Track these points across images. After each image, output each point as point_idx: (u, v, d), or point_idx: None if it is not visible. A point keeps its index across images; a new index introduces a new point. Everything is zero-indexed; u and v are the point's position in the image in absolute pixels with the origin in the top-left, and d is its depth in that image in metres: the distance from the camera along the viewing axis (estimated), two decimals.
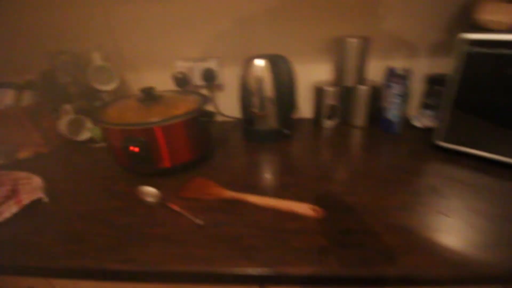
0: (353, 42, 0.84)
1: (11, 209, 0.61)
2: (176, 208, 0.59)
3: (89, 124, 0.94)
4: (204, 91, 1.01)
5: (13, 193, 0.67)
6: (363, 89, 0.90)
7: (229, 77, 0.99)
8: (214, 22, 0.91)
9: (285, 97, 0.84)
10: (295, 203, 0.57)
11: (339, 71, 0.91)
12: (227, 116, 1.03)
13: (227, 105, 1.03)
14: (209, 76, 0.94)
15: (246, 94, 0.84)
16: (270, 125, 0.86)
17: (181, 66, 0.94)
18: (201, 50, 0.96)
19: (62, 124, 0.90)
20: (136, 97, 0.73)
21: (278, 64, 0.77)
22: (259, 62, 0.79)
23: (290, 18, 0.89)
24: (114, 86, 0.93)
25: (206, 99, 0.73)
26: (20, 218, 0.61)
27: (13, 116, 0.83)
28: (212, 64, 0.93)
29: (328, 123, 0.95)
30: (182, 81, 0.91)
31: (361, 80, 0.90)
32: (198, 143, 0.73)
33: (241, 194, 0.61)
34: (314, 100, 0.96)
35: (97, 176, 0.75)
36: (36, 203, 0.64)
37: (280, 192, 0.63)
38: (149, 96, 0.71)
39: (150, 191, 0.63)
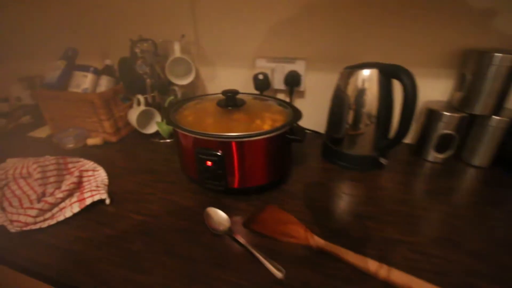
0: (499, 57, 0.62)
1: (73, 208, 0.56)
2: (248, 245, 0.47)
3: (158, 118, 0.88)
4: (280, 96, 0.88)
5: (78, 187, 0.63)
6: (498, 120, 0.67)
7: (314, 83, 0.84)
8: (305, 17, 0.77)
9: (388, 117, 0.66)
10: (412, 279, 0.40)
11: (467, 93, 0.69)
12: (305, 129, 0.88)
13: (307, 116, 0.87)
14: (292, 80, 0.80)
15: (339, 107, 0.68)
16: (364, 149, 0.69)
17: (263, 66, 0.82)
18: (285, 50, 0.82)
19: (133, 115, 0.85)
20: (216, 99, 0.63)
21: (394, 75, 0.59)
22: (367, 71, 0.63)
23: (404, 19, 0.70)
24: (189, 81, 0.85)
25: (298, 114, 0.59)
26: (77, 219, 0.55)
27: (88, 101, 0.81)
28: (298, 67, 0.79)
29: (436, 156, 0.74)
30: (262, 83, 0.79)
31: (497, 108, 0.67)
32: (278, 164, 0.60)
33: (334, 246, 0.46)
34: (422, 124, 0.76)
35: (161, 179, 0.68)
36: (97, 202, 0.58)
37: (384, 254, 0.46)
38: (232, 101, 0.60)
39: (219, 217, 0.53)
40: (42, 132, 0.93)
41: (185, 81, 0.85)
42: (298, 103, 0.88)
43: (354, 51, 0.77)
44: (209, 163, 0.54)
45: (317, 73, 0.82)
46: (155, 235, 0.51)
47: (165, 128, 0.84)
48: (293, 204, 0.58)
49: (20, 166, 0.64)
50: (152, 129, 0.88)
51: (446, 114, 0.69)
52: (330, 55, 0.79)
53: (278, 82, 0.83)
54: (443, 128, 0.71)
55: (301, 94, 0.87)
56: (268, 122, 0.57)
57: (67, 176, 0.67)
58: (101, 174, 0.69)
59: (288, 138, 0.57)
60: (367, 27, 0.74)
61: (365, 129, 0.66)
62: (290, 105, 0.65)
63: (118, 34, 0.91)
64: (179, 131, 0.54)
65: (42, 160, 0.65)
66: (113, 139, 0.86)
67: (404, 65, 0.58)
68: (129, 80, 0.85)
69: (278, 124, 0.56)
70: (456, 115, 0.69)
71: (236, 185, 0.57)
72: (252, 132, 0.51)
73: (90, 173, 0.69)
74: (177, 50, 0.80)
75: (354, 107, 0.65)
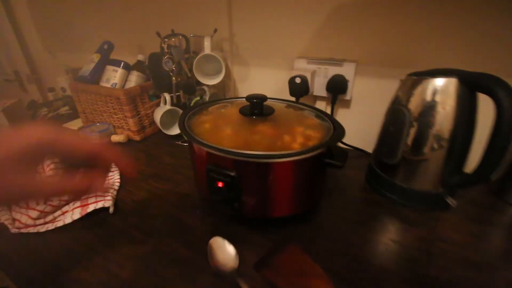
0: None
1: (73, 214, 0.51)
2: None
3: None
4: (319, 105, 0.75)
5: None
6: None
7: (363, 91, 0.69)
8: (357, 10, 0.62)
9: (466, 143, 0.49)
10: None
11: None
12: (346, 145, 0.73)
13: (351, 130, 0.73)
14: (336, 86, 0.67)
15: (397, 124, 0.53)
16: (425, 182, 0.53)
17: (302, 67, 0.70)
18: (331, 49, 0.69)
19: (158, 114, 0.80)
20: (240, 106, 0.53)
21: (482, 88, 0.43)
22: (441, 81, 0.47)
23: (496, 9, 0.52)
24: (217, 81, 0.77)
25: (340, 132, 0.46)
26: (75, 226, 0.50)
27: (115, 96, 0.78)
28: (346, 70, 0.65)
29: None
30: (299, 88, 0.67)
31: None
32: (307, 193, 0.48)
33: None
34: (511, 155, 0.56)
35: (173, 190, 0.60)
36: (101, 208, 0.53)
37: None
38: (257, 108, 0.50)
39: (226, 253, 0.42)
40: (75, 124, 0.94)
41: (213, 81, 0.77)
42: (341, 115, 0.74)
43: (419, 53, 0.60)
44: (220, 184, 0.44)
45: (369, 79, 0.67)
46: (149, 263, 0.43)
47: None
48: (322, 246, 0.46)
49: None
50: (176, 130, 0.82)
51: None
52: (387, 57, 0.63)
53: (318, 88, 0.70)
54: None
55: (346, 104, 0.72)
56: (299, 139, 0.45)
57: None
58: (115, 176, 0.65)
59: (324, 162, 0.44)
60: (437, 22, 0.57)
61: (430, 155, 0.50)
62: (330, 118, 0.52)
63: (153, 28, 0.87)
64: (190, 139, 0.45)
65: None
66: (137, 137, 0.82)
67: (492, 73, 0.42)
68: (157, 77, 0.80)
69: (312, 143, 0.44)
70: None
71: (251, 213, 0.47)
72: (276, 152, 0.40)
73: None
74: (207, 47, 0.72)
75: (417, 125, 0.49)
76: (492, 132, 0.42)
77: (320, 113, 0.55)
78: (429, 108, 0.48)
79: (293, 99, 0.71)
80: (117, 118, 0.82)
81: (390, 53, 0.63)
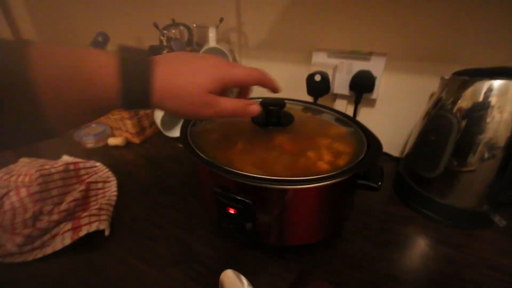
0: None
1: (64, 239, 0.45)
2: None
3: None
4: (340, 105, 0.66)
5: (81, 203, 0.52)
6: None
7: (392, 90, 0.60)
8: None
9: None
10: None
11: None
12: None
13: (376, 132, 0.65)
14: (362, 84, 0.58)
15: (439, 132, 0.45)
16: (468, 198, 0.45)
17: (322, 62, 0.61)
18: (356, 41, 0.59)
19: (158, 114, 0.73)
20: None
21: None
22: (498, 82, 0.38)
23: None
24: None
25: (377, 148, 0.38)
26: (65, 252, 0.44)
27: None
28: (374, 65, 0.56)
29: None
30: (319, 86, 0.58)
31: None
32: (334, 218, 0.41)
33: None
34: None
35: (177, 205, 0.53)
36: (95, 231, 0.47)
37: None
38: (274, 117, 0.42)
39: None
40: None
41: None
42: (365, 114, 0.66)
43: (465, 47, 0.51)
44: (232, 210, 0.37)
45: (399, 76, 0.58)
46: None
47: None
48: (349, 276, 0.39)
49: (24, 171, 0.55)
50: (177, 132, 0.74)
51: None
52: (424, 51, 0.54)
53: (340, 85, 0.61)
54: None
55: (371, 103, 0.64)
56: (326, 157, 0.37)
57: (76, 186, 0.57)
58: (111, 188, 0.58)
59: (357, 184, 0.36)
60: (488, 10, 0.47)
61: (479, 165, 0.42)
62: (360, 126, 0.44)
63: (153, 17, 0.78)
64: (195, 159, 0.37)
65: (49, 166, 0.55)
66: (136, 140, 0.75)
67: None
68: None
69: (342, 162, 0.36)
70: None
71: (269, 240, 0.40)
72: (301, 178, 0.32)
73: (99, 185, 0.58)
74: (212, 38, 0.64)
75: (465, 131, 0.41)
76: None
77: (344, 118, 0.47)
78: (480, 112, 0.40)
79: (310, 98, 0.62)
80: (114, 119, 0.75)
81: (428, 46, 0.53)
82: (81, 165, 0.61)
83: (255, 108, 0.33)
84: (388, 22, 0.55)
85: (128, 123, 0.72)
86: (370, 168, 0.36)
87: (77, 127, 0.28)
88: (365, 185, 0.36)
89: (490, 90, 0.39)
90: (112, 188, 0.58)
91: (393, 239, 0.45)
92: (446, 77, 0.49)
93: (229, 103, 0.30)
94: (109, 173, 0.62)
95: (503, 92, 0.39)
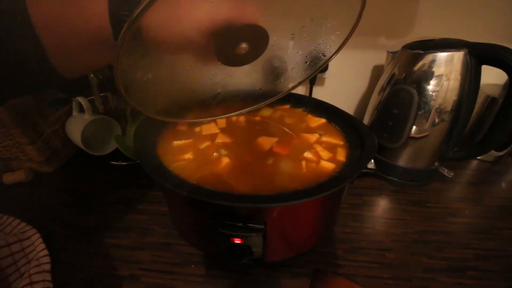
0: None
1: None
2: None
3: (117, 129, 0.58)
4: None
5: None
6: None
7: (339, 66, 0.61)
8: None
9: (468, 117, 0.47)
10: None
11: None
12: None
13: None
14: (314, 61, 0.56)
15: (399, 105, 0.47)
16: (424, 159, 0.51)
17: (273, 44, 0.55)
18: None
19: (75, 129, 0.55)
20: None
21: (494, 61, 0.39)
22: (445, 54, 0.42)
23: None
24: None
25: (372, 137, 0.36)
26: None
27: None
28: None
29: (494, 155, 0.60)
30: (275, 71, 0.53)
31: None
32: (337, 213, 0.39)
33: None
34: (475, 114, 0.60)
35: (142, 243, 0.42)
36: None
37: None
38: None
39: None
40: None
41: None
42: (317, 93, 0.65)
43: (403, 21, 0.55)
44: (238, 240, 0.30)
45: (345, 53, 0.58)
46: None
47: (129, 145, 0.55)
48: (351, 263, 0.39)
49: None
50: (109, 147, 0.59)
51: None
52: (366, 26, 0.55)
53: (295, 66, 0.58)
54: None
55: (321, 81, 0.64)
56: (324, 154, 0.34)
57: None
58: (36, 246, 0.41)
59: (351, 182, 0.35)
60: None
61: (431, 130, 0.47)
62: (331, 108, 0.42)
63: None
64: (189, 195, 0.28)
65: None
66: (47, 169, 0.56)
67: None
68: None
69: (341, 156, 0.34)
70: None
71: (277, 257, 0.35)
72: (321, 183, 0.28)
73: (15, 247, 0.41)
74: None
75: (421, 101, 0.45)
76: (503, 107, 0.41)
77: (315, 104, 0.45)
78: (433, 82, 0.44)
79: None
80: (3, 146, 0.53)
81: (370, 21, 0.55)
82: None
83: None
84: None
85: (30, 149, 0.52)
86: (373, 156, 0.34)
87: (80, 71, 0.26)
88: (365, 172, 0.36)
89: (439, 61, 0.43)
90: (36, 245, 0.41)
91: (369, 210, 0.48)
92: (392, 50, 0.52)
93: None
94: (22, 225, 0.44)
95: (449, 61, 0.43)
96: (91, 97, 0.55)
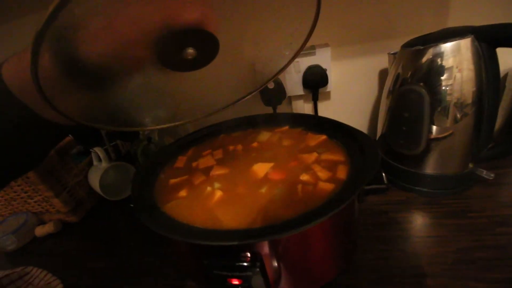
0: None
1: None
2: None
3: (132, 173, 0.61)
4: (297, 106, 0.62)
5: None
6: None
7: (342, 77, 0.58)
8: None
9: (495, 106, 0.41)
10: None
11: None
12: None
13: None
14: (316, 80, 0.54)
15: (413, 108, 0.43)
16: (455, 162, 0.45)
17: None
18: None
19: (94, 178, 0.58)
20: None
21: (509, 41, 0.34)
22: (450, 44, 0.38)
23: None
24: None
25: (369, 144, 0.33)
26: None
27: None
28: (321, 58, 0.53)
29: None
30: (274, 94, 0.53)
31: None
32: (342, 247, 0.35)
33: None
34: (509, 103, 0.52)
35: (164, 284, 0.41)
36: None
37: None
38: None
39: None
40: None
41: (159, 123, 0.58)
42: (323, 109, 0.63)
43: (397, 20, 0.52)
44: (235, 281, 0.28)
45: (345, 62, 0.56)
46: None
47: None
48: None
49: None
50: (126, 191, 0.61)
51: None
52: (362, 32, 0.53)
53: (292, 86, 0.57)
54: None
55: (326, 96, 0.61)
56: (323, 174, 0.31)
57: None
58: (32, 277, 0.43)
59: (364, 192, 0.31)
60: None
61: (455, 127, 0.42)
62: (337, 125, 0.39)
63: None
64: (181, 239, 0.27)
65: None
66: (74, 218, 0.59)
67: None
68: (75, 127, 0.57)
69: (342, 173, 0.31)
70: None
71: None
72: (315, 209, 0.25)
73: None
74: None
75: (433, 99, 0.40)
76: None
77: (315, 121, 0.43)
78: (444, 76, 0.39)
79: (269, 109, 0.57)
80: (35, 202, 0.58)
81: (365, 27, 0.53)
82: (4, 281, 0.44)
83: None
84: (326, 12, 0.52)
85: (56, 201, 0.56)
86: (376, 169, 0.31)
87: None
88: (373, 189, 0.32)
89: (444, 53, 0.39)
90: (34, 276, 0.43)
91: (398, 229, 0.42)
92: (392, 52, 0.48)
93: None
94: (48, 277, 0.46)
95: (455, 52, 0.38)
96: (106, 147, 0.58)
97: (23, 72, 0.21)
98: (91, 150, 0.58)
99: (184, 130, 0.60)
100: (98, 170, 0.58)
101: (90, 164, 0.62)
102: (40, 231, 0.57)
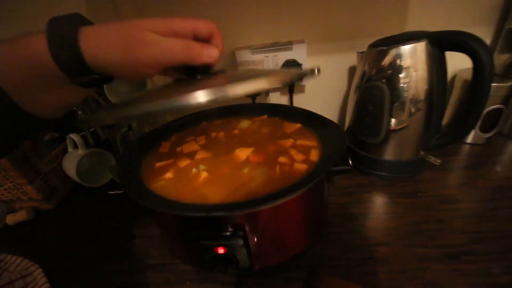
0: None
1: None
2: None
3: (111, 160, 0.61)
4: (274, 98, 0.66)
5: None
6: None
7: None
8: None
9: (443, 102, 0.48)
10: None
11: None
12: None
13: None
14: None
15: (373, 101, 0.49)
16: (409, 150, 0.51)
17: (247, 60, 0.58)
18: (275, 33, 0.59)
19: (70, 164, 0.57)
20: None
21: (455, 46, 0.41)
22: (408, 46, 0.44)
23: None
24: None
25: (339, 130, 0.38)
26: None
27: None
28: (297, 53, 0.57)
29: (480, 137, 0.60)
30: None
31: None
32: (322, 213, 0.40)
33: None
34: (458, 100, 0.60)
35: (140, 266, 0.43)
36: None
37: None
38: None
39: None
40: None
41: None
42: (298, 101, 0.67)
43: (364, 22, 0.57)
44: (221, 250, 0.31)
45: (319, 58, 0.61)
46: None
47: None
48: (346, 261, 0.39)
49: None
50: (105, 178, 0.61)
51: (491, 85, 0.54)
52: (335, 31, 0.58)
53: None
54: (490, 103, 0.55)
55: (301, 89, 0.66)
56: (298, 157, 0.35)
57: None
58: (38, 281, 0.43)
59: (333, 172, 0.36)
60: None
61: (409, 120, 0.48)
62: (308, 114, 0.44)
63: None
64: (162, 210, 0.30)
65: None
66: (48, 206, 0.58)
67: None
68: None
69: (314, 156, 0.35)
70: (504, 84, 0.54)
71: (266, 263, 0.36)
72: (290, 186, 0.29)
73: (19, 283, 0.42)
74: None
75: (393, 94, 0.46)
76: (472, 89, 0.42)
77: (291, 111, 0.47)
78: (402, 75, 0.45)
79: (248, 100, 0.60)
80: (4, 189, 0.56)
81: (337, 27, 0.57)
82: None
83: (213, 52, 0.26)
84: (302, 11, 0.56)
85: (29, 189, 0.54)
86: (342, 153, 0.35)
87: (58, 110, 0.28)
88: (340, 170, 0.36)
89: (403, 54, 0.44)
90: (38, 280, 0.43)
91: (361, 208, 0.48)
92: (361, 50, 0.53)
93: (176, 42, 0.24)
94: (25, 262, 0.46)
95: (413, 53, 0.44)
96: (83, 133, 0.58)
97: (13, 65, 0.22)
98: (66, 136, 0.57)
99: (163, 121, 0.61)
100: (74, 157, 0.57)
101: (65, 151, 0.61)
102: (11, 219, 0.55)
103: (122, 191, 0.60)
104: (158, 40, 0.23)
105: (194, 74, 0.27)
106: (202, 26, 0.25)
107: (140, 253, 0.46)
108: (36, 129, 0.28)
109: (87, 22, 0.24)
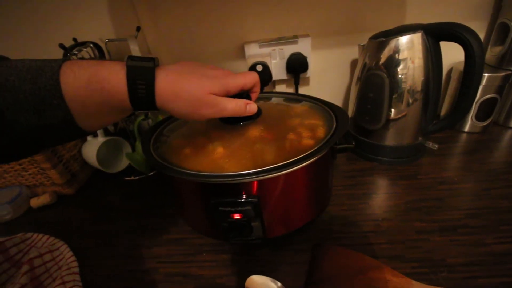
0: None
1: None
2: None
3: (127, 148, 0.65)
4: (280, 89, 0.70)
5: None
6: None
7: (320, 65, 0.67)
8: None
9: (438, 91, 0.52)
10: None
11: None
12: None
13: None
14: (297, 66, 0.62)
15: (374, 90, 0.52)
16: (408, 136, 0.55)
17: (256, 53, 0.62)
18: (281, 28, 0.63)
19: (90, 151, 0.61)
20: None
21: (449, 37, 0.44)
22: (406, 37, 0.47)
23: None
24: None
25: (338, 111, 0.42)
26: None
27: None
28: (302, 47, 0.61)
29: (476, 125, 0.63)
30: (262, 76, 0.60)
31: None
32: (327, 187, 0.43)
33: None
34: (455, 90, 0.64)
35: (157, 241, 0.47)
36: None
37: None
38: None
39: None
40: None
41: None
42: (303, 92, 0.71)
43: (366, 16, 0.61)
44: (237, 215, 0.35)
45: (323, 51, 0.65)
46: None
47: (139, 160, 0.61)
48: (350, 234, 0.43)
49: None
50: (121, 165, 0.65)
51: (485, 75, 0.57)
52: (339, 25, 0.62)
53: (277, 71, 0.64)
54: (484, 92, 0.59)
55: (305, 81, 0.69)
56: (305, 133, 0.39)
57: (12, 270, 0.44)
58: (65, 254, 0.47)
59: (337, 149, 0.40)
60: None
61: (408, 109, 0.52)
62: (314, 98, 0.48)
63: (52, 38, 0.63)
64: (184, 178, 0.33)
65: None
66: (69, 190, 0.62)
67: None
68: None
69: (320, 133, 0.38)
70: (497, 74, 0.57)
71: (277, 232, 0.39)
72: (299, 157, 0.33)
73: (47, 257, 0.46)
74: (135, 50, 0.57)
75: (392, 84, 0.50)
76: (464, 76, 0.45)
77: (298, 97, 0.50)
78: (400, 66, 0.49)
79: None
80: (29, 174, 0.59)
81: (341, 21, 0.61)
82: (9, 243, 0.47)
83: (254, 107, 0.36)
84: (305, 7, 0.60)
85: (53, 173, 0.58)
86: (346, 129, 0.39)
87: (101, 127, 0.34)
88: (344, 148, 0.40)
89: (401, 45, 0.48)
90: (65, 254, 0.47)
91: (364, 189, 0.51)
92: (362, 43, 0.57)
93: (230, 103, 0.32)
94: (52, 238, 0.50)
95: (409, 44, 0.48)
96: None
97: (89, 92, 0.26)
98: None
99: None
100: (93, 144, 0.61)
101: (84, 139, 0.64)
102: (35, 202, 0.59)
103: (137, 177, 0.64)
104: (217, 103, 0.30)
105: (238, 121, 0.39)
106: (248, 82, 0.34)
107: (158, 230, 0.49)
108: (78, 137, 0.31)
109: (157, 63, 0.29)
